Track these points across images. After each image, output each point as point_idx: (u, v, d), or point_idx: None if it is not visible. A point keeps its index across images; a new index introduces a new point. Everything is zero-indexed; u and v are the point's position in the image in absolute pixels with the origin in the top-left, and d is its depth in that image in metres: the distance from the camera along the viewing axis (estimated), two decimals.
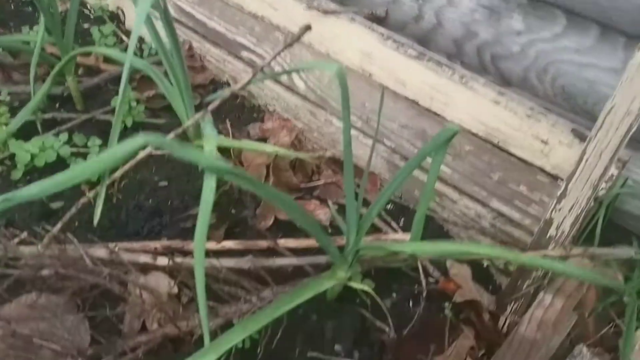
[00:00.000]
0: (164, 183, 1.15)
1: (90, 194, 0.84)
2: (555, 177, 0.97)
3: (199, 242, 0.63)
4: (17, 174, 1.13)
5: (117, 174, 0.89)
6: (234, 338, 0.71)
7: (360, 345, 0.98)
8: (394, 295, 1.06)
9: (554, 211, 0.88)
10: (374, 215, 0.88)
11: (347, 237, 0.90)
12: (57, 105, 1.32)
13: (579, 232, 0.94)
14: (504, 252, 0.77)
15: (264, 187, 0.71)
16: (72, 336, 0.84)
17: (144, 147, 0.63)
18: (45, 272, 0.85)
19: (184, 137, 1.03)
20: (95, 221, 0.85)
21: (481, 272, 1.12)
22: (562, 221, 0.87)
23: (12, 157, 1.14)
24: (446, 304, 1.03)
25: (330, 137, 1.27)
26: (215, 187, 0.66)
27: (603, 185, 0.85)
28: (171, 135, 0.81)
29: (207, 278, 0.88)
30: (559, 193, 0.87)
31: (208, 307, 0.83)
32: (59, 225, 0.86)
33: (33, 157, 1.12)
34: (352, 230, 0.88)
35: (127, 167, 0.80)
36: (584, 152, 0.83)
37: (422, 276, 1.07)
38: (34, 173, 1.15)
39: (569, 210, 0.86)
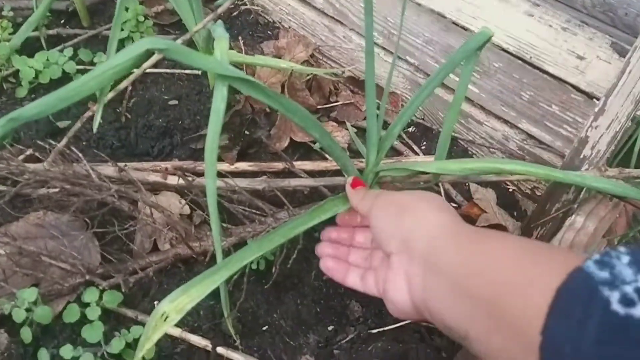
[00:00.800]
0: (174, 102, 1.10)
1: (95, 108, 0.79)
2: (590, 96, 0.91)
3: (210, 152, 0.59)
4: (22, 92, 1.09)
5: (123, 85, 0.84)
6: (248, 256, 0.67)
7: None
8: None
9: (590, 129, 0.82)
10: (395, 133, 0.83)
11: (367, 157, 0.85)
12: (62, 21, 1.26)
13: (613, 155, 0.89)
14: (536, 168, 0.71)
15: (280, 100, 0.66)
16: (81, 254, 0.82)
17: (148, 54, 0.57)
18: (51, 189, 0.82)
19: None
20: (95, 127, 0.80)
21: (506, 198, 1.07)
22: (599, 140, 0.81)
23: (16, 74, 1.09)
24: None
25: (349, 55, 1.20)
26: (227, 104, 0.60)
27: None
28: (178, 41, 0.75)
29: (220, 199, 0.84)
30: (596, 109, 0.81)
31: (221, 228, 0.80)
32: (64, 141, 0.82)
33: (37, 73, 1.07)
34: (372, 149, 0.83)
35: (132, 77, 0.74)
36: (627, 63, 0.76)
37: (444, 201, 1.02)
38: (39, 90, 1.10)
39: (607, 128, 0.80)
